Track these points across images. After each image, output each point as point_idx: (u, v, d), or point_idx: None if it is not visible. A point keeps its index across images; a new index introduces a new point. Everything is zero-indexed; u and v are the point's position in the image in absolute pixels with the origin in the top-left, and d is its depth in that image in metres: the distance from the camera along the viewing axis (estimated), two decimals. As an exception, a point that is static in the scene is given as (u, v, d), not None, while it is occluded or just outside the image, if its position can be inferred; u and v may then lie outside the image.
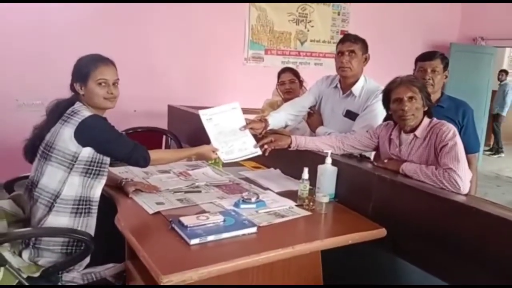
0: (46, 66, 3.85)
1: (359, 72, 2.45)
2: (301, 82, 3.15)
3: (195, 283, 1.32)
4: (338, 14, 5.46)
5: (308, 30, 5.33)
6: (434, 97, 2.36)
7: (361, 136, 2.25)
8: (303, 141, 2.21)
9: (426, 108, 1.99)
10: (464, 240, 1.51)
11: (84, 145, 1.72)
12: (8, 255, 1.65)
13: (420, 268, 1.65)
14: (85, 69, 1.82)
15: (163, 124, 4.05)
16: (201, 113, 2.16)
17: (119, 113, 3.83)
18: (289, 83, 3.08)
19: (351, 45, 2.39)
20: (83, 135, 1.71)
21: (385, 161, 2.09)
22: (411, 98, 1.95)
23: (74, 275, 1.71)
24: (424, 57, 2.39)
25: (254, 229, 1.59)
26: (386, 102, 2.08)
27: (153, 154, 1.88)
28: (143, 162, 1.86)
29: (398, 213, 1.75)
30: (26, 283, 1.62)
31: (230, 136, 2.15)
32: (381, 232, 1.71)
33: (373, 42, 2.59)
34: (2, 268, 1.58)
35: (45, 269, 1.66)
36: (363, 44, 2.43)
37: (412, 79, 2.03)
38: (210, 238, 1.50)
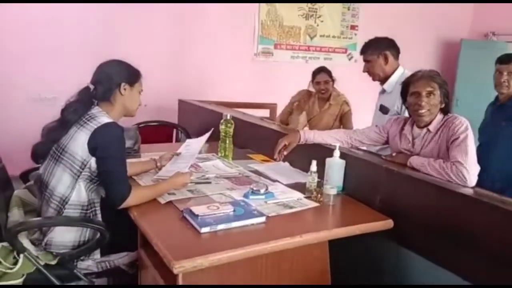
0: (61, 61, 3.91)
1: (389, 70, 2.56)
2: (333, 81, 3.42)
3: (206, 281, 1.37)
4: (348, 9, 5.44)
5: (317, 25, 5.32)
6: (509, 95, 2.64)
7: (369, 131, 2.27)
8: (311, 136, 2.24)
9: (443, 105, 1.99)
10: (470, 231, 1.54)
11: (92, 153, 1.70)
12: (26, 243, 1.71)
13: (426, 258, 1.67)
14: (135, 74, 1.90)
15: (173, 119, 4.11)
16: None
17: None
18: (324, 84, 3.37)
19: (363, 56, 2.61)
20: (95, 143, 1.70)
21: (393, 154, 2.11)
22: (429, 93, 1.95)
23: (89, 263, 1.77)
24: (502, 61, 2.62)
25: (263, 219, 1.63)
26: (404, 94, 2.09)
27: (134, 194, 1.74)
28: (120, 197, 1.71)
29: (405, 205, 1.78)
30: (44, 270, 1.68)
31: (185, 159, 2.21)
32: (388, 223, 1.74)
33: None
34: (21, 255, 1.64)
35: (61, 257, 1.71)
36: (374, 46, 2.55)
37: (433, 74, 2.01)
38: (220, 227, 1.55)
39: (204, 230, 1.52)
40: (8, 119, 3.76)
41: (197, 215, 1.59)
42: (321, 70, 3.43)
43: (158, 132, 3.70)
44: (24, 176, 2.17)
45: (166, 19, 4.41)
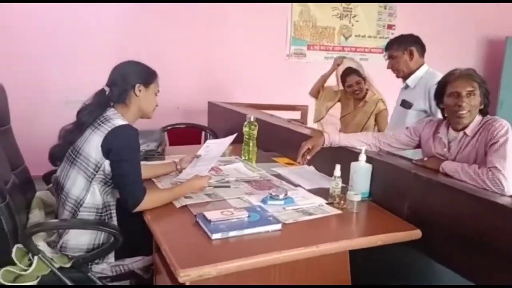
0: (89, 64, 3.98)
1: (413, 67, 2.53)
2: (364, 79, 3.33)
3: (214, 283, 1.30)
4: (385, 8, 5.26)
5: (352, 25, 5.17)
6: None
7: (399, 134, 2.14)
8: (336, 139, 2.14)
9: (482, 106, 1.86)
10: (507, 245, 1.39)
11: (106, 156, 1.68)
12: (42, 245, 1.70)
13: (456, 272, 1.54)
14: (150, 75, 1.86)
15: (204, 121, 4.09)
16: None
17: (163, 109, 3.92)
18: (356, 85, 3.27)
19: (387, 52, 2.58)
20: (108, 145, 1.67)
21: (425, 158, 1.98)
22: (470, 93, 1.82)
23: (103, 267, 1.74)
24: None
25: (278, 226, 1.55)
26: (439, 96, 1.95)
27: (149, 198, 1.70)
28: (133, 200, 1.67)
29: (435, 214, 1.65)
30: (58, 273, 1.66)
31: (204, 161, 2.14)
32: (416, 233, 1.61)
33: (421, 37, 2.59)
34: (36, 257, 1.64)
35: (75, 260, 1.70)
36: (399, 42, 2.54)
37: (472, 73, 1.87)
38: (232, 233, 1.47)
39: (215, 236, 1.45)
40: (36, 121, 3.85)
41: (210, 221, 1.53)
42: (349, 72, 3.34)
43: (187, 134, 3.69)
44: (47, 178, 2.18)
45: (196, 22, 4.41)
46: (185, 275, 1.25)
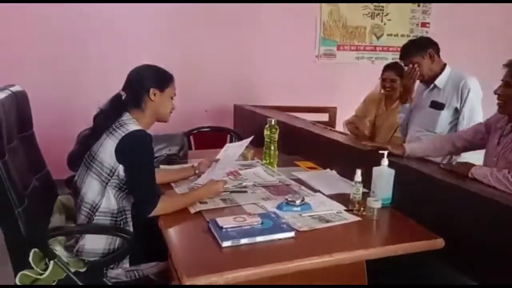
0: (122, 68, 4.04)
1: (436, 68, 2.45)
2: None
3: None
4: (418, 6, 5.08)
5: (384, 24, 5.03)
6: None
7: (474, 133, 2.04)
8: (414, 146, 2.07)
9: None
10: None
11: (120, 161, 1.67)
12: (59, 249, 1.71)
13: (480, 284, 1.44)
14: (166, 79, 1.84)
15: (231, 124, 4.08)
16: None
17: (191, 113, 3.93)
18: (390, 82, 3.13)
19: (405, 58, 2.46)
20: (122, 150, 1.66)
21: (454, 163, 1.88)
22: (507, 83, 1.78)
23: (118, 272, 1.73)
24: None
25: (291, 234, 1.49)
26: None
27: (163, 203, 1.69)
28: (147, 206, 1.66)
29: (461, 223, 1.55)
30: (74, 277, 1.67)
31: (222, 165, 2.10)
32: (438, 243, 1.52)
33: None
34: (52, 262, 1.65)
35: (90, 265, 1.70)
36: (417, 46, 2.44)
37: None
38: (243, 241, 1.43)
39: (226, 244, 1.42)
40: (65, 124, 3.93)
41: (222, 227, 1.50)
42: (391, 67, 3.20)
43: (213, 138, 3.68)
44: (69, 182, 2.21)
45: (223, 24, 4.39)
46: (191, 284, 1.22)
